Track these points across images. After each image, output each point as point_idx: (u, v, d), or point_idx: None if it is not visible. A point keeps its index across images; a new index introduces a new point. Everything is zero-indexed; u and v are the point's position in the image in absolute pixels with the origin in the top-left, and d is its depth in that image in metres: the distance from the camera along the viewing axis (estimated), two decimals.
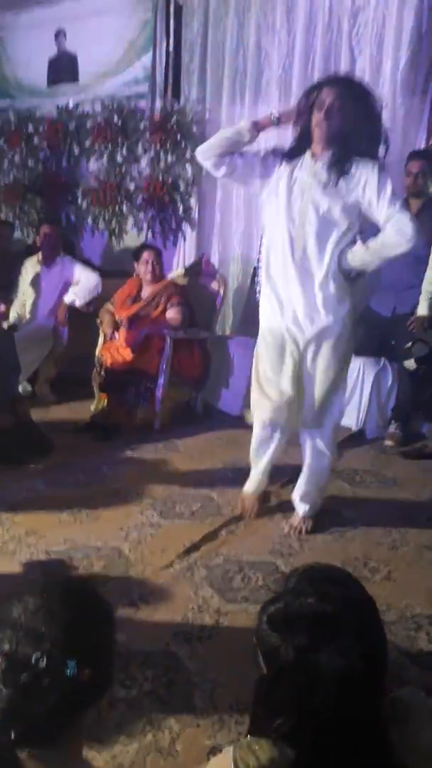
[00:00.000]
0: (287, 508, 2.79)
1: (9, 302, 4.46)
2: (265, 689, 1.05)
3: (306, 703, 0.98)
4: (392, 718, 1.03)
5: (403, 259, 3.61)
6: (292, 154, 2.44)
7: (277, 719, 0.99)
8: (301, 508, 2.69)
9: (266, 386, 2.53)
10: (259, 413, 2.60)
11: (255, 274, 4.36)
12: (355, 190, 2.33)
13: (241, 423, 4.06)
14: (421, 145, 4.14)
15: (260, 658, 1.05)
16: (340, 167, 2.33)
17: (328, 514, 2.76)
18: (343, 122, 2.31)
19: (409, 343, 3.50)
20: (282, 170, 2.44)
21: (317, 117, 2.32)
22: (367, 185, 2.31)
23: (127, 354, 3.88)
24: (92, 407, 4.09)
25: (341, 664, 0.97)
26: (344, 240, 2.39)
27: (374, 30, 4.21)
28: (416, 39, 4.09)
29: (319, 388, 2.48)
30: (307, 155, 2.41)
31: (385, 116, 4.20)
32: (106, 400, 3.97)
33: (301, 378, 2.49)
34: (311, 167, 2.38)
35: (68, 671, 0.95)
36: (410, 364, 3.53)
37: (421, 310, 3.51)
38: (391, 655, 1.79)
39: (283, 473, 2.96)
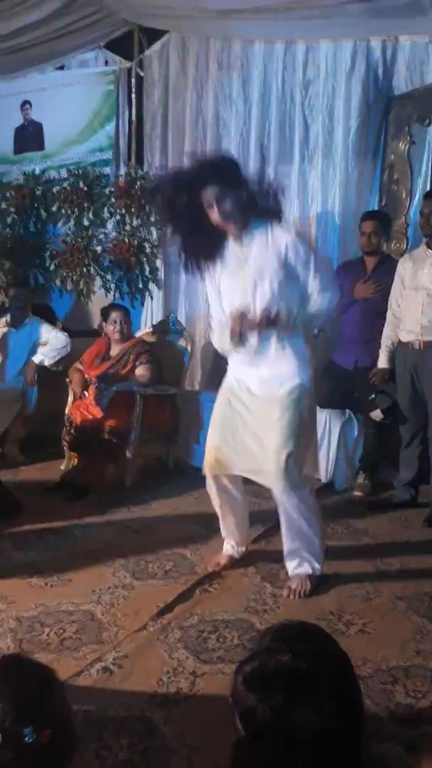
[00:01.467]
0: (261, 560, 2.80)
1: None
2: (242, 751, 1.04)
3: (284, 763, 0.98)
4: None
5: (363, 314, 3.78)
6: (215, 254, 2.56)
7: None
8: (288, 567, 2.66)
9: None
10: None
11: None
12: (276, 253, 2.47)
13: None
14: (374, 206, 4.35)
15: (237, 719, 1.05)
16: (250, 235, 2.48)
17: None
18: (231, 201, 2.44)
19: (372, 395, 3.59)
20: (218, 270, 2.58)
21: (214, 215, 2.45)
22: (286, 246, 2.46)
23: (97, 412, 3.90)
24: (62, 467, 4.07)
25: (318, 722, 0.96)
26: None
27: (325, 101, 4.46)
28: (364, 109, 4.35)
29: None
30: (230, 242, 2.54)
31: (339, 179, 4.48)
32: (76, 459, 3.96)
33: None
34: (236, 250, 2.51)
35: (27, 738, 0.95)
36: (377, 414, 3.62)
37: (381, 363, 3.62)
38: (368, 710, 1.80)
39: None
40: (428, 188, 4.17)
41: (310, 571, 2.62)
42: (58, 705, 1.05)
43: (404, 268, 3.50)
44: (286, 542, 2.63)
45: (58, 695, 1.06)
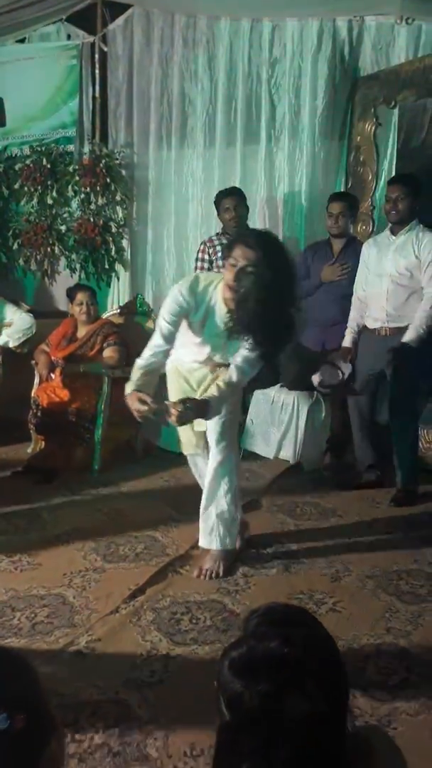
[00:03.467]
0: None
1: None
2: (229, 737, 1.04)
3: (272, 748, 0.98)
4: (355, 756, 1.04)
5: (329, 296, 3.79)
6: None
7: (243, 766, 0.99)
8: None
9: None
10: None
11: None
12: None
13: (180, 459, 4.07)
14: (341, 187, 4.36)
15: (222, 704, 1.05)
16: None
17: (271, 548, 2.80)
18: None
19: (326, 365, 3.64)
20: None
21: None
22: None
23: (64, 395, 3.85)
24: (29, 450, 4.02)
25: (306, 706, 0.97)
26: None
27: (291, 80, 4.43)
28: (330, 88, 4.34)
29: None
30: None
31: (306, 160, 4.47)
32: (43, 443, 3.91)
33: None
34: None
35: (2, 725, 0.94)
36: (315, 378, 3.67)
37: (345, 343, 3.65)
38: None
39: None
40: (394, 170, 4.19)
41: (220, 548, 2.65)
42: (32, 690, 1.04)
43: (368, 253, 3.51)
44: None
45: (31, 680, 1.05)
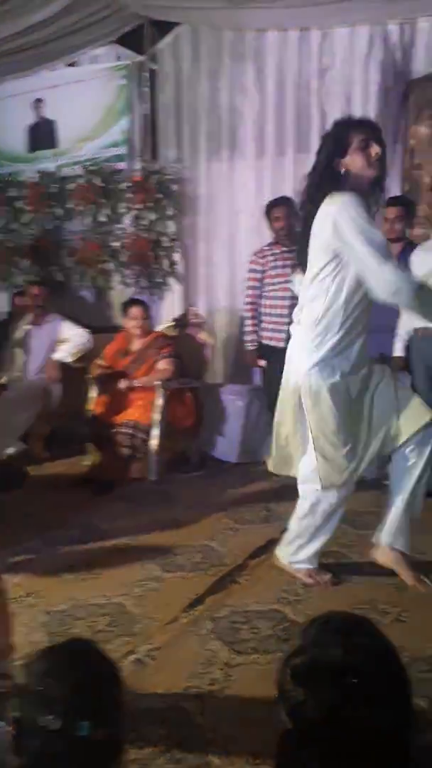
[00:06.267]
0: None
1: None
2: (291, 745, 1.01)
3: (335, 758, 0.95)
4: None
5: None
6: None
7: None
8: None
9: None
10: None
11: (242, 324, 4.42)
12: None
13: (236, 469, 4.07)
14: (397, 191, 4.29)
15: (283, 712, 1.02)
16: None
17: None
18: None
19: None
20: None
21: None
22: None
23: (120, 407, 3.89)
24: (87, 463, 4.07)
25: (372, 717, 0.94)
26: None
27: (342, 87, 4.41)
28: (383, 93, 4.29)
29: None
30: None
31: None
32: (101, 455, 3.96)
33: None
34: None
35: (82, 731, 0.92)
36: None
37: (396, 352, 3.58)
38: None
39: None
40: None
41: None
42: (118, 706, 1.03)
43: (417, 258, 3.44)
44: None
45: (120, 694, 1.04)
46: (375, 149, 2.30)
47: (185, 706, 1.85)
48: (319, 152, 2.39)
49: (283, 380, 2.51)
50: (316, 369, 2.33)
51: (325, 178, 2.32)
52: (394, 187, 4.36)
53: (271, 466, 2.71)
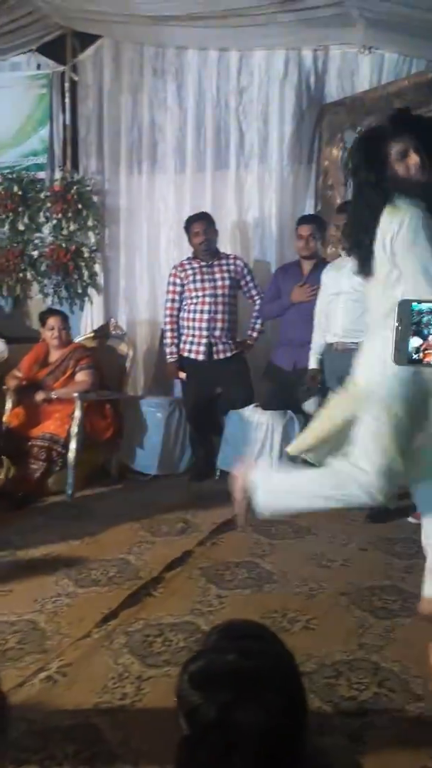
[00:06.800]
0: (205, 562, 2.79)
1: None
2: (187, 750, 1.04)
3: (230, 761, 0.98)
4: None
5: (300, 316, 3.84)
6: None
7: None
8: None
9: None
10: None
11: (163, 336, 4.45)
12: None
13: (155, 482, 4.07)
14: (310, 210, 4.44)
15: (182, 718, 1.05)
16: None
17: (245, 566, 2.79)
18: None
19: (305, 388, 3.67)
20: None
21: None
22: None
23: (36, 419, 3.83)
24: (2, 476, 3.97)
25: (262, 719, 0.97)
26: None
27: (259, 107, 4.54)
28: (298, 115, 4.44)
29: None
30: None
31: (275, 184, 4.57)
32: (14, 468, 3.87)
33: None
34: None
35: None
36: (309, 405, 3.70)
37: (311, 364, 3.69)
38: (313, 704, 1.82)
39: None
40: None
41: None
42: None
43: (327, 277, 3.57)
44: None
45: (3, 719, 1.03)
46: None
47: (95, 721, 1.84)
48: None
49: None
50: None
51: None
52: (308, 206, 4.53)
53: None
